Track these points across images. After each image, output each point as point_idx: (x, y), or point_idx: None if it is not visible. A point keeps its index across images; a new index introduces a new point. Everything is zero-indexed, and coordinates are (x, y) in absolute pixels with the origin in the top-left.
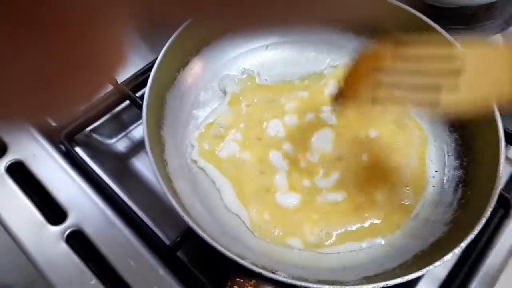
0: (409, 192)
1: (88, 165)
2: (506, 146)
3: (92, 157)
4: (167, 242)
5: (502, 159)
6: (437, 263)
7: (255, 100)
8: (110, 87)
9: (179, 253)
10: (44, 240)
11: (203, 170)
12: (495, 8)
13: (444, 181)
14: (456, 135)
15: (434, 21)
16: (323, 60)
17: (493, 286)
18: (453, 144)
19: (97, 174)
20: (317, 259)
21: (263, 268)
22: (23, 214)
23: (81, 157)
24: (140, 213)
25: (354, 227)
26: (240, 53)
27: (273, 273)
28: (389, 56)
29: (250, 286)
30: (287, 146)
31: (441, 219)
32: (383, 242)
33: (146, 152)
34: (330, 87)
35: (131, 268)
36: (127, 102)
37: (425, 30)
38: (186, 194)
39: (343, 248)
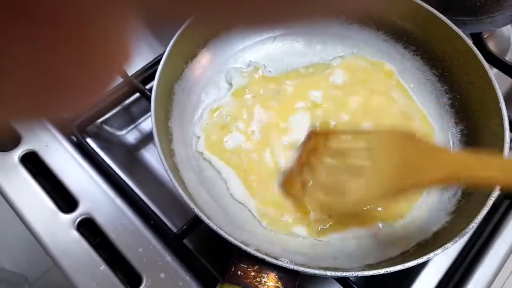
0: None
1: (98, 155)
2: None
3: (102, 148)
4: (174, 230)
5: (506, 150)
6: (438, 251)
7: (261, 92)
8: (120, 80)
9: (185, 241)
10: (56, 227)
11: (209, 161)
12: None
13: None
14: (462, 126)
15: (441, 12)
16: (331, 51)
17: (496, 276)
18: (458, 135)
19: (108, 164)
20: (320, 246)
21: (266, 254)
22: (36, 203)
23: (92, 148)
24: (148, 202)
25: (357, 216)
26: (248, 45)
27: (276, 259)
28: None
29: (253, 271)
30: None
31: (444, 208)
32: (386, 230)
33: (154, 143)
34: (335, 75)
35: (139, 254)
36: (137, 94)
37: (431, 21)
38: (193, 183)
39: (346, 235)
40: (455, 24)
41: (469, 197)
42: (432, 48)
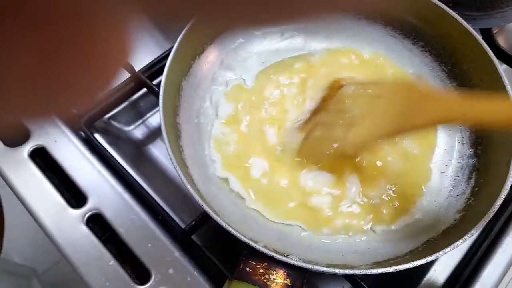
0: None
1: (107, 151)
2: None
3: (110, 143)
4: (183, 225)
5: None
6: (447, 249)
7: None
8: (127, 75)
9: (193, 237)
10: (65, 222)
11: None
12: None
13: (458, 170)
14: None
15: (451, 7)
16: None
17: (505, 275)
18: (467, 132)
19: (116, 160)
20: (328, 243)
21: (275, 251)
22: (45, 198)
23: (100, 143)
24: (156, 197)
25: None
26: (255, 41)
27: (284, 256)
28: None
29: (262, 268)
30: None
31: (453, 206)
32: (394, 228)
33: (162, 139)
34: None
35: (148, 250)
36: (144, 90)
37: (440, 16)
38: (201, 179)
39: (353, 233)
40: (464, 19)
41: (478, 195)
42: (441, 44)
